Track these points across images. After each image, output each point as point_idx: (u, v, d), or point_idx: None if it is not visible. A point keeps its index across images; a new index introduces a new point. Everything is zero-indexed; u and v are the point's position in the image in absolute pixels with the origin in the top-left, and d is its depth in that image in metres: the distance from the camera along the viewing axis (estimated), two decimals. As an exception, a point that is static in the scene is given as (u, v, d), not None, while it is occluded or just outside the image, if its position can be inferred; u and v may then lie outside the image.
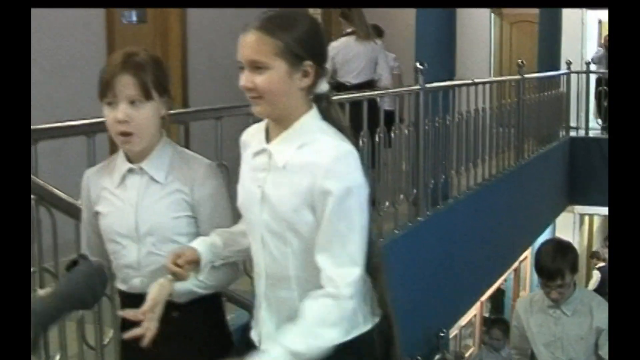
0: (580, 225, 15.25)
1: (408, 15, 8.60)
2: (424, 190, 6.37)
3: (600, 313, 4.50)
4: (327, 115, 2.36)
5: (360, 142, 5.53)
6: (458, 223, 7.13)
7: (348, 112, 5.01)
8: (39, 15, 5.78)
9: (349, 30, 7.04)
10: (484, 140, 7.94)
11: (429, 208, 6.49)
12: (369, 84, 6.97)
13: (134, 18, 7.01)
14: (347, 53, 6.93)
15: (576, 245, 6.75)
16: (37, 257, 2.89)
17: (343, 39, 7.01)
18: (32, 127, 3.08)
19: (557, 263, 4.41)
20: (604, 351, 4.46)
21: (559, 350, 4.61)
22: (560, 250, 4.52)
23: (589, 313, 4.52)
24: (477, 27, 16.78)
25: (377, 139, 5.72)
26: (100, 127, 3.82)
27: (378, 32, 7.81)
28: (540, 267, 4.51)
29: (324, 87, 2.38)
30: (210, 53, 7.63)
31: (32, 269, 2.87)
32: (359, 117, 5.28)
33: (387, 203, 5.93)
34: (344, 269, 2.20)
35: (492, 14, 18.08)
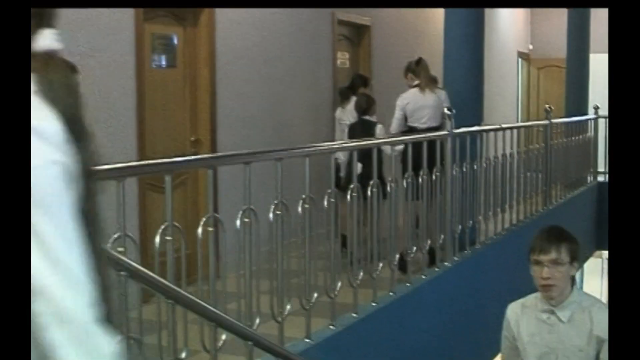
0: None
1: (437, 61, 8.65)
2: (450, 235, 6.36)
3: (601, 320, 3.83)
4: None
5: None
6: (485, 268, 7.10)
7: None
8: (70, 59, 5.86)
9: (415, 83, 7.77)
10: (511, 185, 7.93)
11: (456, 253, 6.47)
12: (437, 129, 7.34)
13: (164, 62, 7.09)
14: (415, 103, 7.66)
15: (604, 291, 6.69)
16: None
17: (411, 91, 7.77)
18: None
19: (552, 236, 3.87)
20: None
21: None
22: (558, 229, 3.99)
23: (589, 320, 3.84)
24: (505, 72, 16.80)
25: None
26: (130, 171, 3.87)
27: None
28: (532, 244, 3.98)
29: None
30: (239, 98, 7.70)
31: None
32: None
33: (414, 248, 5.92)
34: None
35: (520, 59, 18.11)
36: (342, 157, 6.73)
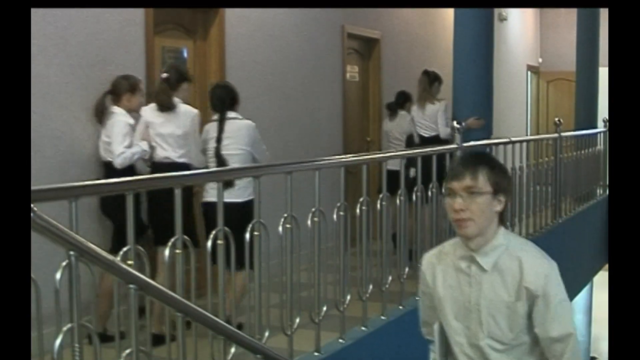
0: (619, 285, 15.04)
1: (447, 74, 8.66)
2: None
3: (532, 269, 3.06)
4: None
5: (398, 200, 5.64)
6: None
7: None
8: (80, 72, 5.89)
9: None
10: (521, 198, 7.92)
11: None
12: (436, 138, 8.11)
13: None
14: (417, 115, 8.52)
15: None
16: (75, 312, 2.91)
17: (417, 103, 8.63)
18: (72, 184, 3.13)
19: (469, 160, 3.16)
20: (543, 329, 3.04)
21: (475, 323, 3.10)
22: (480, 153, 3.32)
23: (518, 269, 3.05)
24: (514, 85, 16.79)
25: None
26: (140, 184, 3.88)
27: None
28: (448, 172, 3.27)
29: None
30: (249, 111, 7.71)
31: (70, 325, 2.90)
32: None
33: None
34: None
35: (529, 72, 18.10)
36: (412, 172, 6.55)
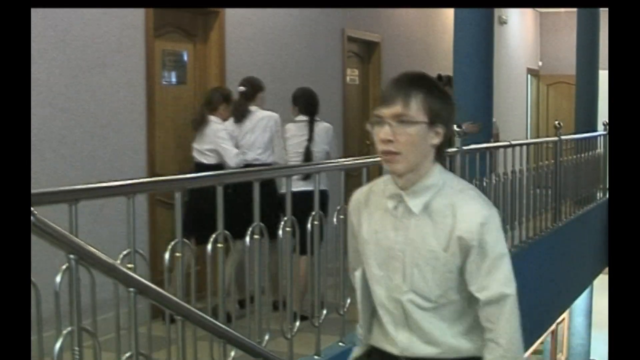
0: (619, 288, 15.04)
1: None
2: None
3: (466, 215, 2.61)
4: None
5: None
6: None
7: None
8: (80, 76, 5.89)
9: None
10: (521, 202, 7.91)
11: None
12: None
13: (174, 79, 7.11)
14: None
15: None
16: (75, 316, 2.91)
17: None
18: (73, 187, 3.13)
19: (402, 83, 2.63)
20: (476, 287, 2.62)
21: (398, 273, 2.68)
22: (416, 74, 2.71)
23: (451, 214, 2.62)
24: (514, 89, 16.80)
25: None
26: (140, 187, 3.88)
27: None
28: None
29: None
30: (248, 114, 7.72)
31: (69, 328, 2.90)
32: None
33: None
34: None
35: (529, 75, 18.11)
36: None
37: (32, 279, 2.65)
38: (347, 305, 4.94)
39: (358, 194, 2.86)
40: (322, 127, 6.84)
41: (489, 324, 2.61)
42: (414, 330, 2.68)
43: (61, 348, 2.88)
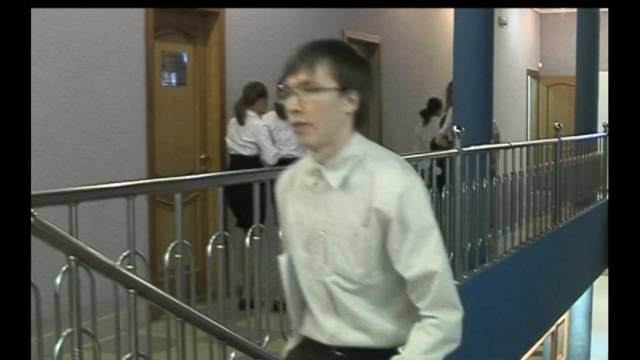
0: (619, 289, 15.03)
1: (447, 79, 8.67)
2: (460, 253, 6.34)
3: (384, 186, 2.39)
4: None
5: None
6: (495, 287, 7.08)
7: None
8: (80, 77, 5.90)
9: None
10: (521, 203, 7.91)
11: (466, 271, 6.46)
12: None
13: (174, 81, 7.12)
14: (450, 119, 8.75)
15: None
16: (75, 317, 2.91)
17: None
18: (73, 188, 3.13)
19: (309, 49, 2.48)
20: (401, 265, 2.41)
21: (321, 254, 2.49)
22: (324, 40, 2.54)
23: (369, 186, 2.41)
24: (514, 90, 16.80)
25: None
26: (140, 189, 3.88)
27: None
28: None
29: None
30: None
31: (69, 329, 2.90)
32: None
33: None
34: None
35: (529, 77, 18.12)
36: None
37: (32, 280, 2.65)
38: (347, 307, 4.94)
39: (284, 175, 2.67)
40: None
41: (422, 303, 2.43)
42: (342, 315, 2.49)
43: (61, 349, 2.88)
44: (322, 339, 2.54)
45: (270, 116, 7.05)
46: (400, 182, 2.39)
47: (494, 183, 7.08)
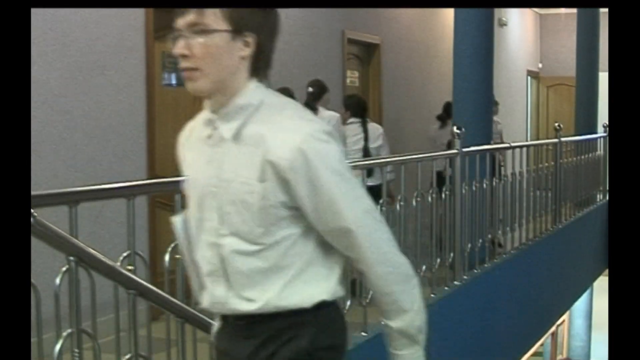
0: (619, 290, 15.05)
1: (447, 80, 8.67)
2: (460, 254, 6.35)
3: (280, 137, 2.14)
4: None
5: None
6: (495, 287, 7.08)
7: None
8: (80, 77, 5.90)
9: None
10: (521, 204, 7.91)
11: (466, 272, 6.46)
12: None
13: (174, 81, 7.11)
14: None
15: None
16: (75, 317, 2.92)
17: None
18: (73, 189, 3.13)
19: None
20: (317, 224, 2.18)
21: (214, 214, 2.27)
22: None
23: (265, 137, 2.15)
24: (515, 91, 16.80)
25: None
26: (140, 189, 3.88)
27: None
28: None
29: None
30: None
31: (69, 330, 2.90)
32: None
33: (423, 267, 5.91)
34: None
35: (529, 77, 18.12)
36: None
37: (32, 280, 2.65)
38: (347, 307, 4.94)
39: (187, 126, 2.48)
40: (373, 127, 7.74)
41: (352, 254, 2.23)
42: (232, 281, 2.25)
43: (61, 350, 2.88)
44: (212, 308, 2.34)
45: None
46: (298, 132, 2.13)
47: (494, 183, 7.09)
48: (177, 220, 2.43)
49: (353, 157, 7.04)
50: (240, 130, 2.20)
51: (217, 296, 2.28)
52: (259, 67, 2.24)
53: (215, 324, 2.42)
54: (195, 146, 2.35)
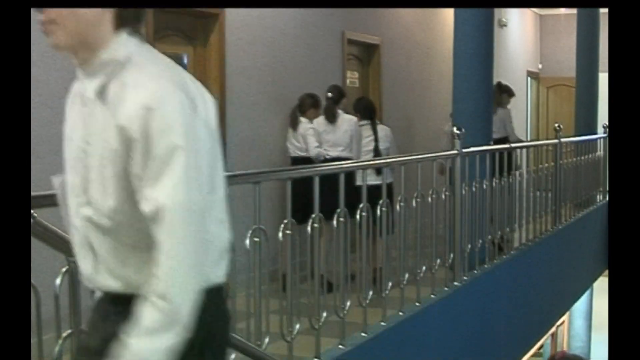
0: (619, 291, 15.04)
1: (447, 80, 8.67)
2: (460, 254, 6.35)
3: (131, 96, 1.95)
4: None
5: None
6: (495, 288, 7.08)
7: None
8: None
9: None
10: (521, 204, 7.92)
11: (466, 272, 6.46)
12: (503, 140, 8.89)
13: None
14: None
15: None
16: (74, 318, 2.91)
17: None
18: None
19: None
20: (142, 196, 1.95)
21: (79, 179, 2.11)
22: None
23: (119, 97, 1.98)
24: (514, 91, 16.78)
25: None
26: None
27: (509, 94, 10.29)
28: None
29: None
30: (249, 118, 7.72)
31: (69, 331, 2.90)
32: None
33: (423, 267, 5.91)
34: None
35: (529, 78, 18.11)
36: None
37: (32, 281, 2.65)
38: (347, 308, 4.94)
39: (74, 85, 2.24)
40: (381, 129, 7.99)
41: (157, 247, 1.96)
42: (96, 255, 2.09)
43: (61, 351, 2.88)
44: (85, 281, 2.17)
45: (320, 120, 7.74)
46: (150, 92, 1.93)
47: (493, 184, 7.09)
48: (55, 180, 2.21)
49: (366, 157, 7.52)
50: (105, 89, 2.01)
51: (84, 269, 2.14)
52: (126, 17, 2.03)
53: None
54: (73, 104, 2.16)
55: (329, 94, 7.89)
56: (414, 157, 6.15)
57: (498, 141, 8.64)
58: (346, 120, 7.78)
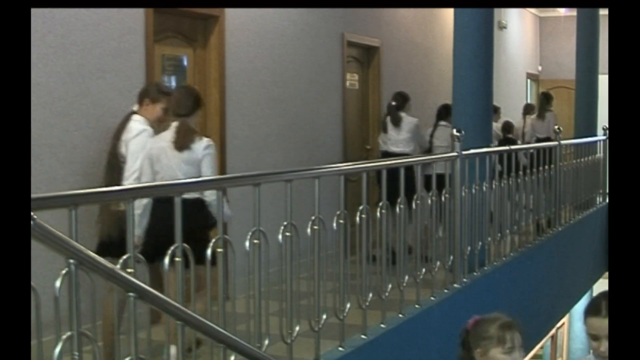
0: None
1: (447, 83, 8.67)
2: (460, 256, 6.35)
3: None
4: None
5: (398, 209, 5.65)
6: (494, 290, 7.08)
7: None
8: (80, 80, 5.89)
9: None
10: (520, 206, 7.92)
11: (465, 275, 6.46)
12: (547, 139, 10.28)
13: (174, 84, 7.11)
14: (536, 123, 12.15)
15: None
16: (75, 320, 2.91)
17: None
18: (72, 192, 3.13)
19: None
20: None
21: None
22: None
23: None
24: (514, 93, 16.80)
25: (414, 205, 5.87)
26: (140, 192, 3.88)
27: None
28: None
29: None
30: (249, 120, 7.72)
31: (69, 333, 2.90)
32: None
33: (423, 270, 5.91)
34: None
35: (529, 80, 18.12)
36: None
37: (32, 283, 2.65)
38: (347, 310, 4.94)
39: None
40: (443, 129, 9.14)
41: None
42: None
43: (61, 353, 2.88)
44: None
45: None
46: None
47: (493, 186, 7.09)
48: None
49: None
50: None
51: None
52: None
53: None
54: None
55: (394, 102, 9.07)
56: (414, 159, 6.16)
57: (544, 140, 10.28)
58: (408, 122, 9.02)
